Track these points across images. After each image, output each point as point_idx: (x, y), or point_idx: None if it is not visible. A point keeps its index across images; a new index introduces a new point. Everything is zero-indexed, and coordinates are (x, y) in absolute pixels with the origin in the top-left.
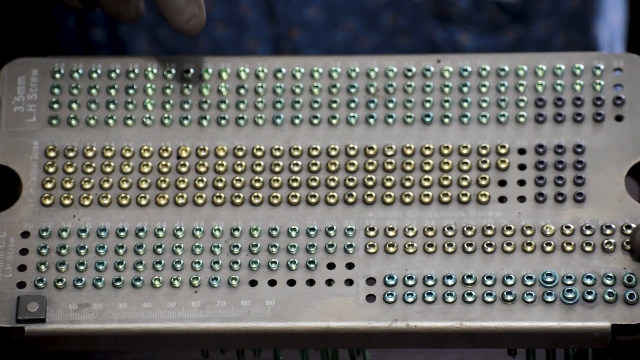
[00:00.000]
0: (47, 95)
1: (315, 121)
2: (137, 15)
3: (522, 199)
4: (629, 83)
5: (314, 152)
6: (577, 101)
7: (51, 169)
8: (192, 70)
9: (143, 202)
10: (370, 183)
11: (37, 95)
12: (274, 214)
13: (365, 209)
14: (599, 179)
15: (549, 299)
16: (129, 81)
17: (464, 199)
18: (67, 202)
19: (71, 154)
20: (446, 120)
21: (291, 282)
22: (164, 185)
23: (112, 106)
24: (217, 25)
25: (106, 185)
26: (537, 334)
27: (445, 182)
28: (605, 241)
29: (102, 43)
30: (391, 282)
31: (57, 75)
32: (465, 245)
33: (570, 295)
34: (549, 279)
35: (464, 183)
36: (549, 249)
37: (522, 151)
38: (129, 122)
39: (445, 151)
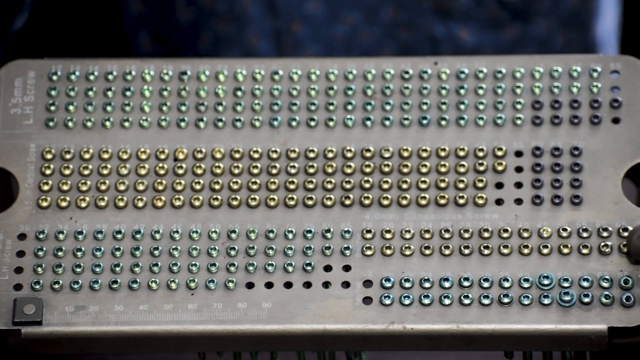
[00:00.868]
0: (44, 97)
1: (313, 123)
2: None
3: (519, 201)
4: (626, 85)
5: (311, 155)
6: (574, 103)
7: (48, 171)
8: (189, 72)
9: (140, 204)
10: (367, 185)
11: (34, 97)
12: (271, 216)
13: (362, 211)
14: (596, 181)
15: (546, 301)
16: (125, 83)
17: (461, 201)
18: (63, 204)
19: (68, 156)
20: (443, 122)
21: (288, 285)
22: (160, 188)
23: (109, 108)
24: (219, 20)
25: (103, 187)
26: (533, 336)
27: (442, 185)
28: (602, 244)
29: (103, 39)
30: (388, 284)
31: (54, 77)
32: (462, 248)
33: (567, 298)
34: (546, 282)
35: (461, 185)
36: (545, 251)
37: (519, 153)
38: (126, 124)
39: (442, 153)
